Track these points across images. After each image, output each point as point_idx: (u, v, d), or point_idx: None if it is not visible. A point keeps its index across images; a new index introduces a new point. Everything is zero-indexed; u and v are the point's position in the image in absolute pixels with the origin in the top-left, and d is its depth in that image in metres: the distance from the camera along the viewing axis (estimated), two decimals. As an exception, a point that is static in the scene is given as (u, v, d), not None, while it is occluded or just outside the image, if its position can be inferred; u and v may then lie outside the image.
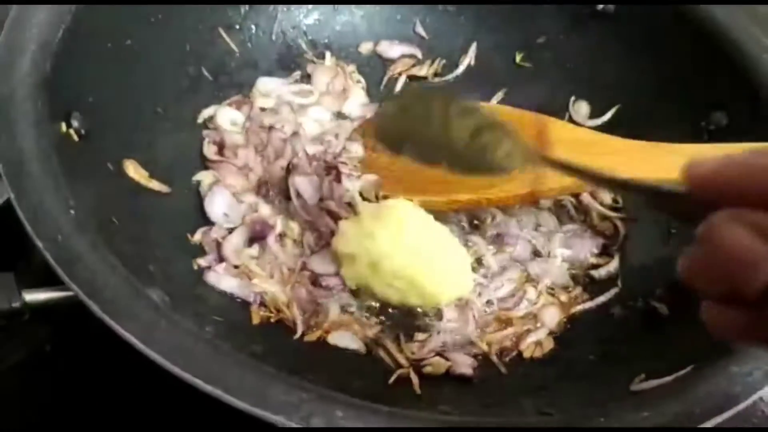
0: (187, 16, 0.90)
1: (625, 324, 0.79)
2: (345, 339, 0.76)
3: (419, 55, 1.04)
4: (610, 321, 0.80)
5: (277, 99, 0.96)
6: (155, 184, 0.81)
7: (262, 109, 0.95)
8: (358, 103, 0.99)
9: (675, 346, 0.70)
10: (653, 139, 0.82)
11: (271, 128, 0.91)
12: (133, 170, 0.79)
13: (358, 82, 1.01)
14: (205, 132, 0.90)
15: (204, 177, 0.86)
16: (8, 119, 0.63)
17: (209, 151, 0.88)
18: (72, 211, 0.59)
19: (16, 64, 0.67)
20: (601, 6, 0.96)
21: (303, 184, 0.84)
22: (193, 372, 0.52)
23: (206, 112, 0.92)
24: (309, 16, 1.02)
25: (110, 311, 0.53)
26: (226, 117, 0.92)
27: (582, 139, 0.85)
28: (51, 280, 0.58)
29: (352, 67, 1.02)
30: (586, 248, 0.88)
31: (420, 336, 0.79)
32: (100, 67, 0.78)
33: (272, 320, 0.76)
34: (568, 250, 0.88)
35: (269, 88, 0.97)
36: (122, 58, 0.81)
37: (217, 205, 0.83)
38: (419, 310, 0.80)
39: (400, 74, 1.03)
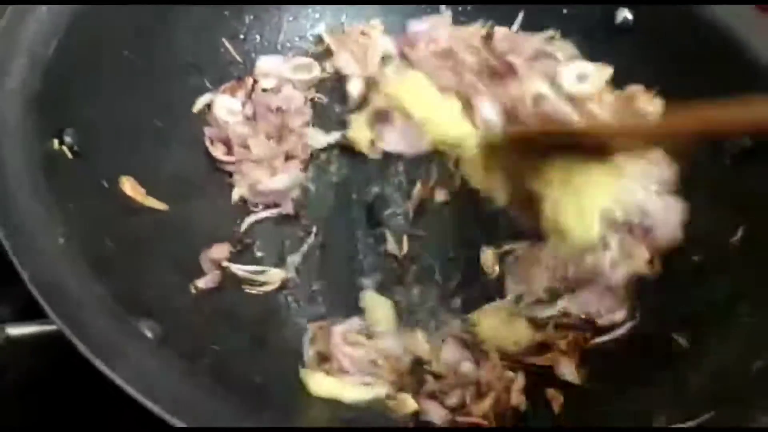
0: (188, 26, 0.87)
1: (642, 357, 0.75)
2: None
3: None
4: (627, 353, 0.76)
5: (279, 78, 0.92)
6: (153, 202, 0.77)
7: (264, 90, 0.91)
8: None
9: (696, 386, 0.67)
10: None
11: (278, 109, 0.88)
12: (130, 187, 0.75)
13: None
14: (205, 129, 0.86)
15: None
16: (-6, 142, 0.59)
17: (217, 151, 0.85)
18: (61, 239, 0.56)
19: (3, 80, 0.64)
20: (619, 19, 0.92)
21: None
22: (185, 419, 0.48)
23: (201, 101, 0.88)
24: (317, 26, 0.98)
25: (98, 350, 0.50)
26: (223, 107, 0.87)
27: None
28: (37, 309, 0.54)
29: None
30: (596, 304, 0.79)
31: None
32: (97, 80, 0.74)
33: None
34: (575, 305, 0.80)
35: (269, 67, 0.93)
36: (120, 70, 0.78)
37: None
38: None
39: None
